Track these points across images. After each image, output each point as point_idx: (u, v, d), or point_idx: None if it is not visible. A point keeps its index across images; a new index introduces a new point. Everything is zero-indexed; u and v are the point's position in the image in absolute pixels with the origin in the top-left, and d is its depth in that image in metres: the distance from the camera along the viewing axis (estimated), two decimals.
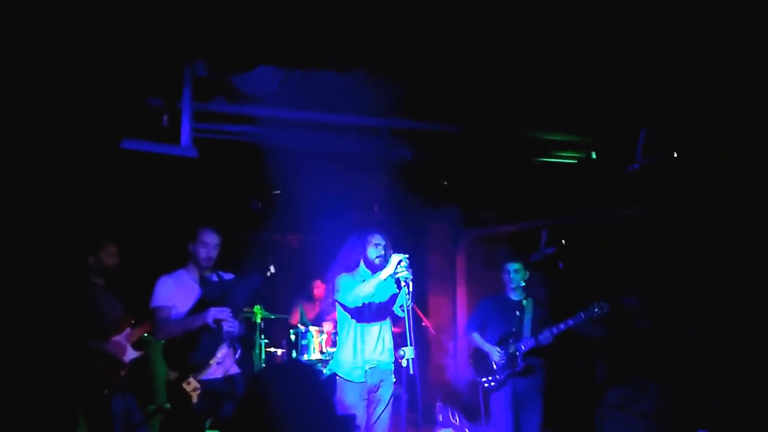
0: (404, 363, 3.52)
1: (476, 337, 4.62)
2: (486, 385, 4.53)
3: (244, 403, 1.79)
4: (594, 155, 4.41)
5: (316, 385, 1.81)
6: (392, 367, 3.85)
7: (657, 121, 3.99)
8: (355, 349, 3.74)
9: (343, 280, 3.81)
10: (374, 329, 3.80)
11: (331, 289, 3.90)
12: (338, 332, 3.90)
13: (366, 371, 3.73)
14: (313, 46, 3.15)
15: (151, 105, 3.62)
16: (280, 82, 3.52)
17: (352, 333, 3.78)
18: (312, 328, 5.13)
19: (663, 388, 4.74)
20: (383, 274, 3.55)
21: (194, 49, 3.23)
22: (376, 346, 3.78)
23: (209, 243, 3.70)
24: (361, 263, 3.85)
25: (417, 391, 3.43)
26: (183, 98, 3.48)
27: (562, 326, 4.33)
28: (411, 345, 3.49)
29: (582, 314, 4.29)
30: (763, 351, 4.07)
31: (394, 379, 3.86)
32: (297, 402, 1.71)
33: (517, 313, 4.51)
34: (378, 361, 3.76)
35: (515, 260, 4.55)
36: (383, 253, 3.78)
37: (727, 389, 4.25)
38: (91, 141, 3.65)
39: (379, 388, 3.78)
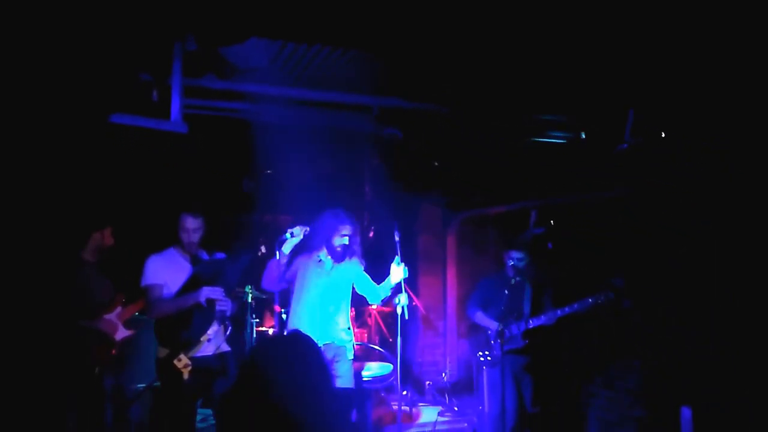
0: (399, 310, 3.83)
1: (479, 316, 4.67)
2: (482, 359, 4.58)
3: (244, 372, 1.77)
4: (583, 135, 4.43)
5: (318, 357, 1.81)
6: (350, 344, 3.99)
7: (646, 101, 4.01)
8: (313, 327, 3.84)
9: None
10: (329, 309, 3.94)
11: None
12: (291, 309, 3.99)
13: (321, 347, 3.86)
14: (306, 19, 3.12)
15: (141, 80, 3.56)
16: (272, 56, 3.48)
17: (306, 311, 3.90)
18: None
19: (648, 365, 4.81)
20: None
21: (185, 21, 3.18)
22: (330, 324, 3.92)
23: (189, 228, 3.71)
24: (324, 248, 3.95)
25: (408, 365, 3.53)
26: (173, 73, 3.43)
27: (567, 309, 4.37)
28: (405, 293, 3.83)
29: (589, 300, 4.32)
30: (746, 331, 4.14)
31: (351, 357, 4.01)
32: (299, 373, 1.71)
33: (518, 292, 4.55)
34: (333, 337, 3.91)
35: (519, 249, 4.58)
36: (346, 243, 3.91)
37: (710, 367, 4.32)
38: (82, 117, 3.59)
39: (334, 362, 3.90)
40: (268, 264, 3.83)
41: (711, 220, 4.24)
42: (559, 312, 4.40)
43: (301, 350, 1.78)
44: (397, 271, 3.85)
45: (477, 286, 4.86)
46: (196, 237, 3.73)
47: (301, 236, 3.77)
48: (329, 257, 3.96)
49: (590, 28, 3.38)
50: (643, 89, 3.98)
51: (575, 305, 4.37)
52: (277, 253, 3.73)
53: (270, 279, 3.87)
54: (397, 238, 3.93)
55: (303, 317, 3.88)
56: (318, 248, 3.95)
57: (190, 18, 3.19)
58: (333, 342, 3.91)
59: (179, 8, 3.16)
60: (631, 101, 4.10)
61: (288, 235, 3.73)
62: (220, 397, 3.62)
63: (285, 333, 4.96)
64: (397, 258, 3.87)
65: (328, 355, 3.86)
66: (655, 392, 4.67)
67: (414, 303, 4.51)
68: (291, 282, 3.97)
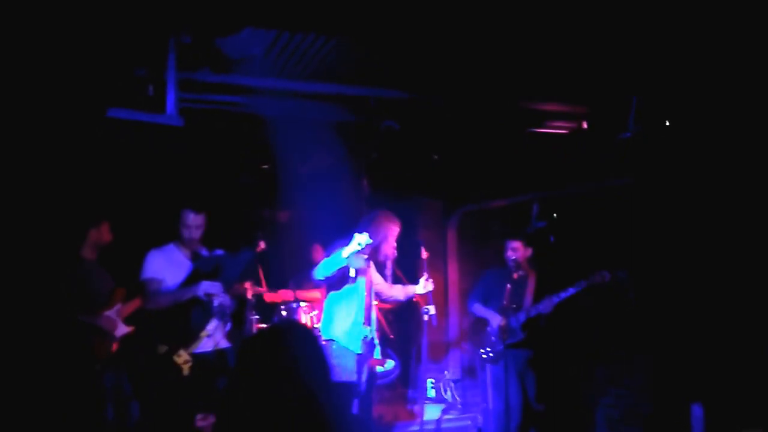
0: (426, 317, 4.09)
1: (479, 308, 4.64)
2: (484, 356, 4.54)
3: (240, 364, 1.74)
4: (585, 125, 4.38)
5: (317, 346, 1.78)
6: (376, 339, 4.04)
7: (649, 88, 3.97)
8: (356, 321, 3.86)
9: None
10: (367, 304, 3.93)
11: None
12: (333, 304, 3.94)
13: (362, 343, 3.86)
14: (299, 8, 3.11)
15: (136, 75, 3.56)
16: (266, 47, 3.47)
17: (354, 306, 3.88)
18: (303, 305, 5.13)
19: (656, 361, 4.75)
20: (345, 251, 3.64)
21: (179, 14, 3.18)
22: (368, 319, 3.92)
23: (191, 225, 3.69)
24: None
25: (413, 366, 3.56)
26: (168, 67, 3.42)
27: (562, 294, 4.33)
28: (432, 304, 4.12)
29: (583, 282, 4.29)
30: (758, 325, 4.07)
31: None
32: (299, 360, 1.68)
33: (520, 286, 4.51)
34: (370, 331, 3.91)
35: (516, 237, 4.55)
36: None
37: (722, 363, 4.25)
38: (78, 113, 3.60)
39: (368, 358, 3.92)
40: (325, 259, 3.81)
41: (721, 209, 4.18)
42: (555, 298, 4.35)
43: (298, 340, 1.75)
44: (423, 287, 4.07)
45: (480, 279, 4.84)
46: (197, 234, 3.71)
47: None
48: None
49: (591, 15, 3.34)
50: (645, 76, 3.93)
51: (570, 289, 4.32)
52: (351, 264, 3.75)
53: (325, 272, 3.80)
54: (424, 257, 4.14)
55: (353, 313, 3.87)
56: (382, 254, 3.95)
57: (184, 10, 3.18)
58: (368, 336, 3.94)
59: (172, 2, 3.15)
60: (633, 89, 4.06)
61: (358, 246, 3.64)
62: (219, 392, 3.59)
63: (279, 323, 4.95)
64: (425, 276, 4.09)
65: (365, 351, 3.89)
66: (663, 389, 4.60)
67: (414, 299, 4.48)
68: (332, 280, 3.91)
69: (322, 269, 3.74)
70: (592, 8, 3.29)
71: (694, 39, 3.52)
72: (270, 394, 1.62)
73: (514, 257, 4.49)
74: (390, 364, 5.33)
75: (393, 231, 3.95)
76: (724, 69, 3.69)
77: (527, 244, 4.57)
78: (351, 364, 3.80)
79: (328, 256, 3.86)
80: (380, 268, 4.09)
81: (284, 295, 5.35)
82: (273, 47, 3.56)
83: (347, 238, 3.92)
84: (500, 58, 3.81)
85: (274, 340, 1.74)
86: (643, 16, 3.34)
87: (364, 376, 3.91)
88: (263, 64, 3.68)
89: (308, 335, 1.79)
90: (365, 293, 3.92)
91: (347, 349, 3.82)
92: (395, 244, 3.99)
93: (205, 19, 3.21)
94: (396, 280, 4.32)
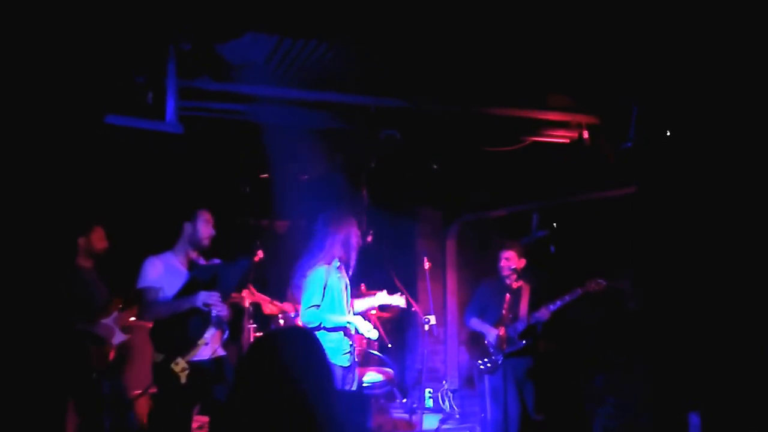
0: (426, 327, 4.33)
1: (475, 322, 4.63)
2: (482, 367, 4.53)
3: (246, 364, 1.72)
4: (586, 135, 4.38)
5: (319, 350, 1.76)
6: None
7: (650, 98, 3.98)
8: (339, 335, 3.85)
9: (317, 276, 3.83)
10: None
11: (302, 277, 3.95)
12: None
13: (349, 356, 3.88)
14: (302, 14, 3.11)
15: (136, 82, 3.55)
16: (267, 55, 3.47)
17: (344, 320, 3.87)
18: None
19: (654, 371, 4.73)
20: (357, 321, 3.82)
21: (179, 20, 3.18)
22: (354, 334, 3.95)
23: (210, 220, 3.69)
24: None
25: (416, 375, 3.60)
26: (168, 74, 3.41)
27: (558, 303, 4.34)
28: (433, 314, 4.51)
29: (578, 290, 4.30)
30: (756, 334, 4.05)
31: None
32: (300, 364, 1.66)
33: (517, 296, 4.50)
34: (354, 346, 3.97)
35: (510, 247, 4.54)
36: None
37: (720, 372, 4.23)
38: (76, 120, 3.59)
39: (353, 370, 3.94)
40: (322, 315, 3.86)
41: (720, 218, 4.17)
42: (551, 306, 4.35)
43: (307, 341, 1.74)
44: (386, 299, 4.09)
45: (475, 292, 4.84)
46: (213, 231, 3.71)
47: None
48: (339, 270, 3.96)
49: (592, 24, 3.35)
50: (646, 86, 3.94)
51: (566, 297, 4.34)
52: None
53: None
54: (426, 267, 4.23)
55: (339, 331, 3.87)
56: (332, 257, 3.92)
57: (184, 16, 3.18)
58: (352, 350, 3.95)
59: (173, 8, 3.15)
60: (634, 98, 4.06)
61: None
62: (216, 405, 3.58)
63: (282, 327, 4.93)
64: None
65: (351, 363, 3.89)
66: (662, 399, 4.59)
67: (413, 308, 4.47)
68: None
69: (318, 320, 3.78)
70: (592, 17, 3.30)
71: (694, 47, 3.52)
72: (269, 398, 1.61)
73: (508, 267, 4.49)
74: (379, 377, 5.30)
75: (353, 222, 3.96)
76: (725, 77, 3.69)
77: (521, 254, 4.58)
78: (336, 380, 3.78)
79: (303, 272, 3.85)
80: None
81: (283, 305, 5.33)
82: (274, 54, 3.55)
83: (318, 251, 3.90)
84: (500, 67, 3.81)
85: (276, 344, 1.73)
86: (643, 24, 3.35)
87: (354, 387, 3.90)
88: (263, 72, 3.67)
89: (310, 339, 1.77)
90: (346, 305, 3.90)
91: (338, 365, 3.80)
92: (359, 233, 3.98)
93: (206, 25, 3.21)
94: (395, 290, 4.32)
